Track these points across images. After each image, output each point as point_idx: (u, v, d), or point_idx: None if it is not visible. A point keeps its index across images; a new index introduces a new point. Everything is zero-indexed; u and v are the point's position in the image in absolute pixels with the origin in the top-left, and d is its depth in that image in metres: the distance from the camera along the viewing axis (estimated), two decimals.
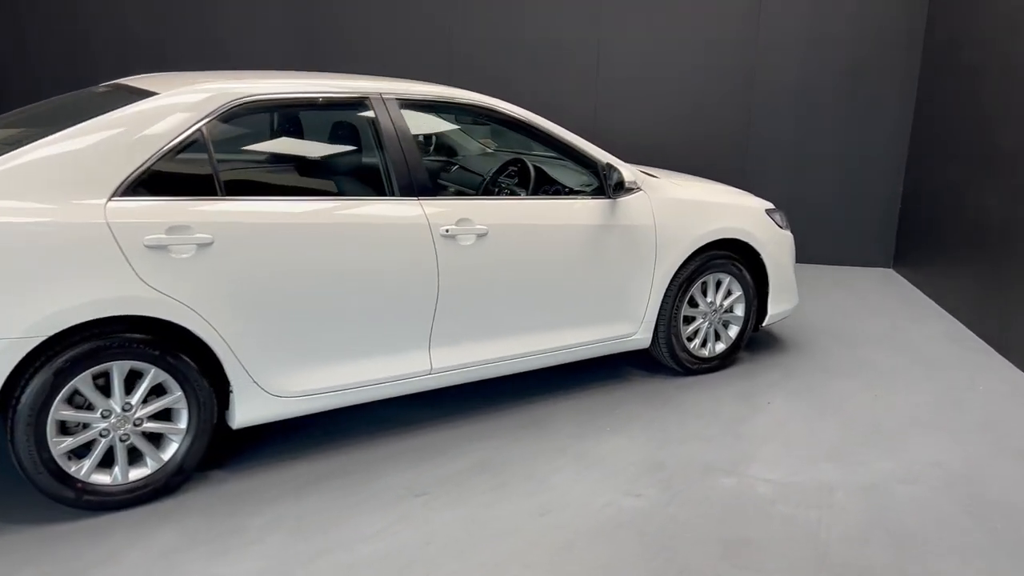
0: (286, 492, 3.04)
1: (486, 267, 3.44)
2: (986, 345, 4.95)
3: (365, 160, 3.47)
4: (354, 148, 3.53)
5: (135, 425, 2.85)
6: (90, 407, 2.77)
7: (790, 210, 6.70)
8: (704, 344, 4.31)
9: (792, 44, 6.69)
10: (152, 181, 2.83)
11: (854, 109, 6.73)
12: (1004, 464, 3.41)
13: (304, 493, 3.04)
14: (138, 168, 2.79)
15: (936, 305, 5.83)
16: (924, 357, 4.70)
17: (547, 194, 3.95)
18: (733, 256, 4.25)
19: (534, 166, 4.02)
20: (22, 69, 7.66)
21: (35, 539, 2.69)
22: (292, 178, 3.38)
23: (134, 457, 2.91)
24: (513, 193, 4.05)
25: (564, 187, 3.95)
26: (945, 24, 6.12)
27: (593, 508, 2.97)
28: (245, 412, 3.03)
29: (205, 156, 2.93)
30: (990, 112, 5.14)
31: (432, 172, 4.49)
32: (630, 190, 3.86)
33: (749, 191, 6.43)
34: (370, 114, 3.32)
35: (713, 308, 4.27)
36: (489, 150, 4.97)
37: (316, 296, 3.07)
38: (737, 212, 4.27)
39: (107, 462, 2.85)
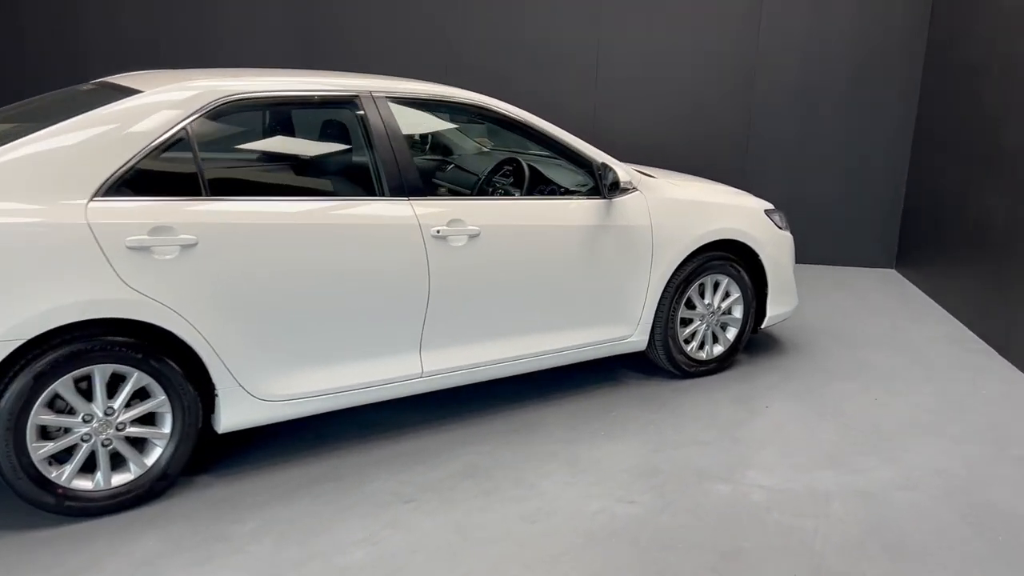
0: (273, 497, 2.99)
1: (478, 268, 3.38)
2: (988, 347, 4.89)
3: (354, 159, 3.41)
4: (343, 147, 3.48)
5: (118, 430, 2.80)
6: (71, 411, 2.72)
7: (791, 210, 6.64)
8: (701, 346, 4.25)
9: (793, 43, 6.62)
10: (135, 181, 2.77)
11: (856, 108, 6.65)
12: (1006, 470, 3.34)
13: (291, 498, 2.99)
14: (121, 167, 2.74)
15: (938, 306, 5.76)
16: (925, 359, 4.64)
17: (542, 194, 3.89)
18: (731, 257, 4.19)
19: (529, 166, 3.96)
20: (22, 69, 7.62)
21: (15, 545, 2.63)
22: (279, 178, 3.33)
23: (117, 462, 2.85)
24: (507, 193, 3.99)
25: (559, 187, 3.89)
26: (947, 23, 6.04)
27: (585, 515, 2.91)
28: (231, 416, 2.97)
29: (190, 155, 2.87)
30: (993, 112, 5.07)
31: (425, 172, 4.43)
32: (625, 190, 3.80)
33: (749, 191, 6.38)
34: (360, 113, 3.26)
35: (711, 310, 4.21)
36: (485, 149, 4.91)
37: (303, 298, 3.01)
38: (736, 212, 4.21)
39: (89, 467, 2.80)
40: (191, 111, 2.91)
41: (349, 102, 3.27)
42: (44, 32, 7.53)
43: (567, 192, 3.83)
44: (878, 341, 4.94)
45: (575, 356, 3.81)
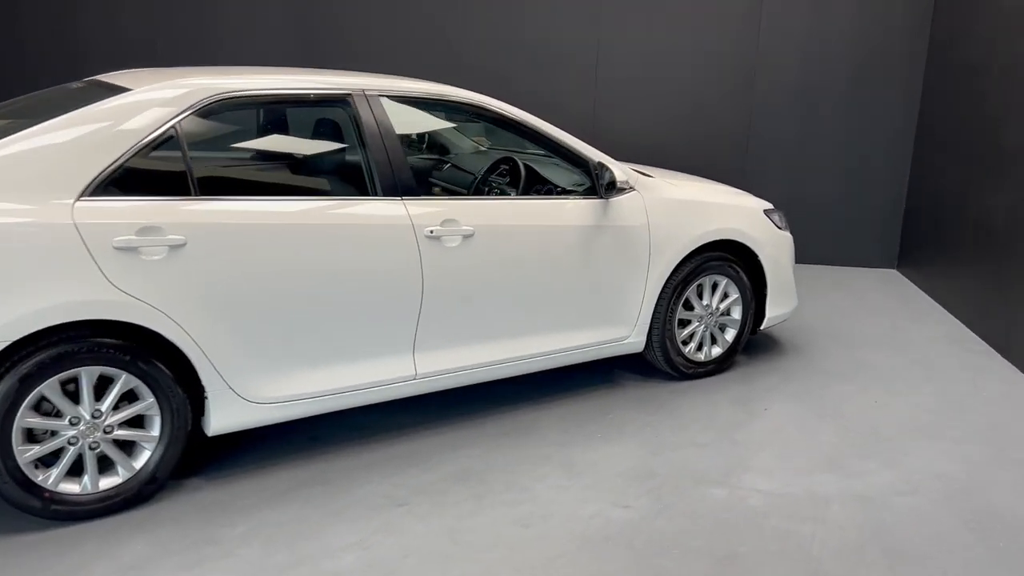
0: (263, 500, 2.95)
1: (472, 269, 3.34)
2: (989, 347, 4.84)
3: (347, 159, 3.37)
4: (336, 146, 3.44)
5: (105, 432, 2.76)
6: (58, 414, 2.69)
7: (792, 210, 6.59)
8: (700, 348, 4.20)
9: (793, 42, 6.57)
10: (123, 180, 2.73)
11: (857, 108, 6.60)
12: (1007, 473, 3.29)
13: (281, 501, 2.95)
14: (108, 166, 2.70)
15: (939, 306, 5.71)
16: (925, 359, 4.59)
17: (539, 193, 3.85)
18: (730, 257, 4.14)
19: (525, 165, 3.92)
20: (21, 69, 7.58)
21: (0, 550, 2.60)
22: (270, 177, 3.29)
23: (105, 465, 2.81)
24: (503, 193, 3.95)
25: (556, 186, 3.85)
26: (949, 23, 5.99)
27: (579, 519, 2.87)
28: (220, 419, 2.94)
29: (179, 154, 2.84)
30: (994, 112, 5.02)
31: (419, 171, 4.40)
32: (622, 190, 3.75)
33: (750, 191, 6.33)
34: (352, 111, 3.22)
35: (709, 311, 4.16)
36: (482, 148, 4.87)
37: (294, 299, 2.97)
38: (734, 212, 4.16)
39: (77, 470, 2.76)
40: (180, 109, 2.87)
41: (341, 100, 3.23)
42: (43, 32, 7.49)
43: (564, 192, 3.79)
44: (878, 342, 4.89)
45: (571, 358, 3.76)
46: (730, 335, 4.27)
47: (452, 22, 6.97)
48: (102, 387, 2.74)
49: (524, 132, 3.66)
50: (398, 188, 3.21)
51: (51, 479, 2.69)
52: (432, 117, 3.75)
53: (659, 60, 6.76)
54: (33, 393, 2.59)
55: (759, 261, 4.24)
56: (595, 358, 3.87)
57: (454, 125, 4.50)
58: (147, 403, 2.80)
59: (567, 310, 3.67)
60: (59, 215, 2.57)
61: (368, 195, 3.19)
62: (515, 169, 3.95)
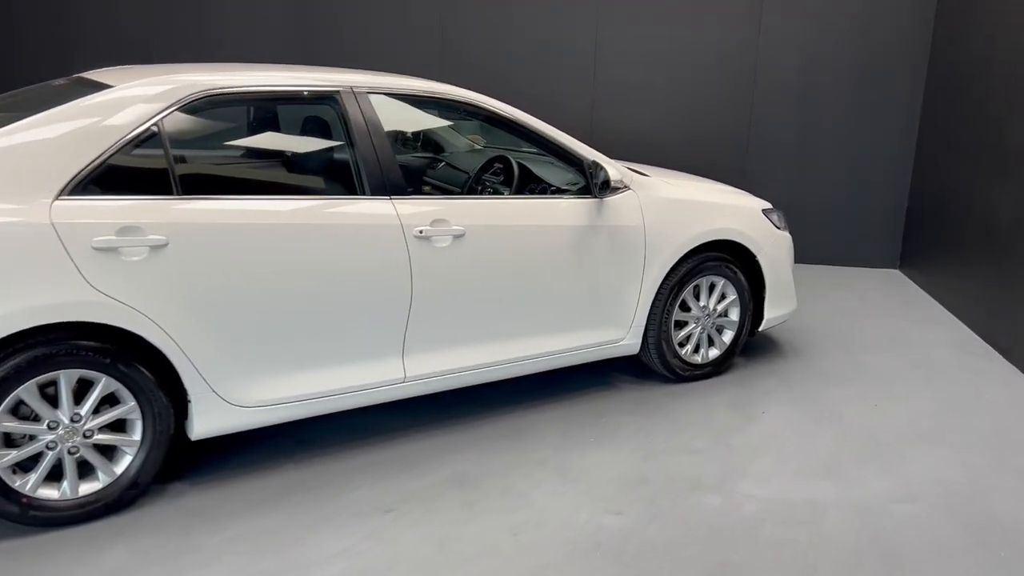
0: (248, 506, 2.89)
1: (463, 270, 3.27)
2: (991, 349, 4.76)
3: (334, 157, 3.31)
4: (323, 144, 3.37)
5: (85, 437, 2.70)
6: (36, 418, 2.62)
7: (793, 210, 6.52)
8: (697, 350, 4.13)
9: (794, 40, 6.48)
10: (104, 178, 2.67)
11: (858, 106, 6.52)
12: (1008, 480, 3.22)
13: (267, 508, 2.89)
14: (88, 165, 2.63)
15: (942, 308, 5.63)
16: (926, 362, 4.51)
17: (533, 192, 3.78)
18: (728, 258, 4.07)
19: (518, 164, 3.85)
20: (18, 68, 7.52)
21: None
22: (255, 176, 3.22)
23: (85, 470, 2.76)
24: (497, 192, 3.88)
25: (550, 186, 3.78)
26: (952, 20, 5.91)
27: (571, 526, 2.80)
28: (204, 423, 2.87)
29: (161, 152, 2.77)
30: (998, 110, 4.94)
31: (410, 170, 4.33)
32: (617, 189, 3.68)
33: (750, 191, 6.26)
34: (340, 108, 3.15)
35: (706, 312, 4.09)
36: (478, 147, 4.80)
37: (280, 301, 2.91)
38: (732, 212, 4.09)
39: (56, 475, 2.70)
40: (164, 106, 2.80)
41: (329, 97, 3.16)
42: (39, 31, 7.43)
43: (558, 191, 3.72)
44: (879, 344, 4.82)
45: (565, 360, 3.70)
46: (728, 337, 4.20)
47: (451, 21, 6.89)
48: (83, 391, 2.68)
49: (517, 130, 3.59)
50: (387, 187, 3.14)
51: (29, 484, 2.63)
52: (423, 115, 3.68)
53: (658, 59, 6.68)
54: (10, 397, 2.53)
55: (757, 262, 4.16)
56: (590, 360, 3.81)
57: (446, 123, 4.43)
58: (128, 407, 2.74)
59: (560, 312, 3.60)
60: (36, 215, 2.51)
61: (356, 194, 3.13)
62: (508, 168, 3.88)
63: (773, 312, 4.29)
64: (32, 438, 2.63)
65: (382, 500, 2.95)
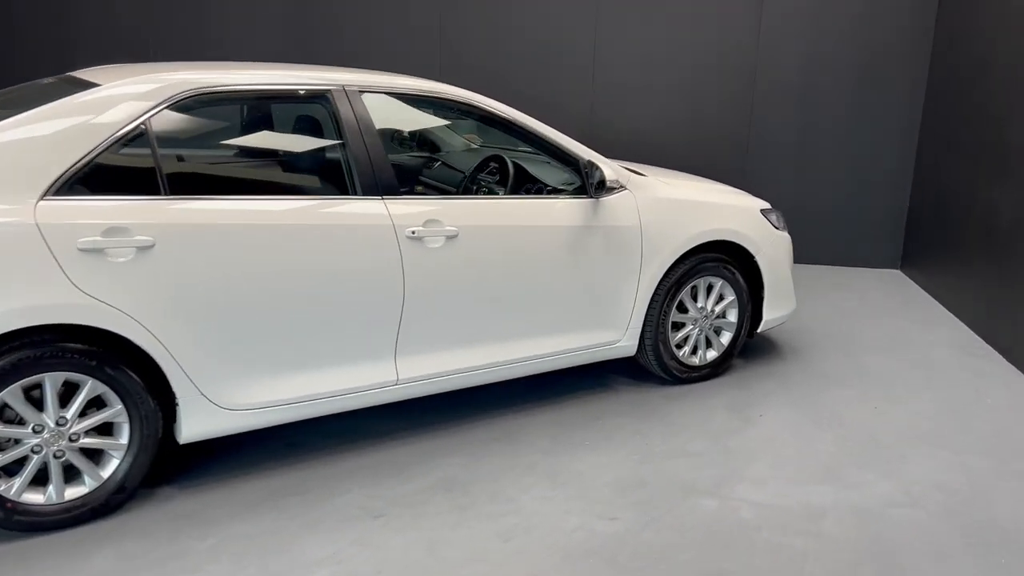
0: (236, 511, 2.85)
1: (456, 271, 3.23)
2: (993, 351, 4.70)
3: (326, 156, 3.27)
4: (314, 143, 3.33)
5: (71, 440, 2.66)
6: (21, 421, 2.59)
7: (793, 210, 6.47)
8: (694, 351, 4.08)
9: (794, 40, 6.43)
10: (90, 178, 2.63)
11: (859, 106, 6.46)
12: (1010, 484, 3.17)
13: (255, 512, 2.85)
14: (74, 164, 2.60)
15: (944, 309, 5.58)
16: (929, 365, 4.46)
17: (529, 192, 3.74)
18: (726, 259, 4.02)
19: (514, 163, 3.80)
20: (18, 68, 7.50)
21: None
22: (245, 176, 3.18)
23: (71, 474, 2.72)
24: (492, 192, 3.83)
25: (545, 185, 3.73)
26: (954, 20, 5.85)
27: (562, 532, 2.76)
28: (192, 426, 2.84)
29: (149, 152, 2.73)
30: (1000, 110, 4.89)
31: (405, 169, 4.29)
32: (612, 189, 3.64)
33: (751, 190, 6.21)
34: (332, 107, 3.11)
35: (704, 314, 4.05)
36: (474, 146, 4.75)
37: (269, 303, 2.87)
38: (730, 212, 4.04)
39: (41, 480, 2.66)
40: (151, 105, 2.77)
41: (320, 96, 3.13)
42: (41, 32, 7.40)
43: (554, 191, 3.67)
44: (879, 345, 4.76)
45: (560, 362, 3.65)
46: (726, 338, 4.15)
47: (451, 21, 6.85)
48: (69, 394, 2.64)
49: (512, 129, 3.55)
50: (378, 187, 3.10)
51: (14, 489, 2.59)
52: (416, 114, 3.64)
53: (658, 58, 6.63)
54: None
55: (756, 262, 4.12)
56: (585, 362, 3.76)
57: (440, 123, 4.38)
58: (115, 410, 2.71)
59: (555, 313, 3.56)
60: (21, 215, 2.48)
61: (347, 194, 3.09)
62: (504, 167, 3.84)
63: (772, 313, 4.25)
64: (17, 442, 2.59)
65: (371, 504, 2.91)
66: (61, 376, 2.59)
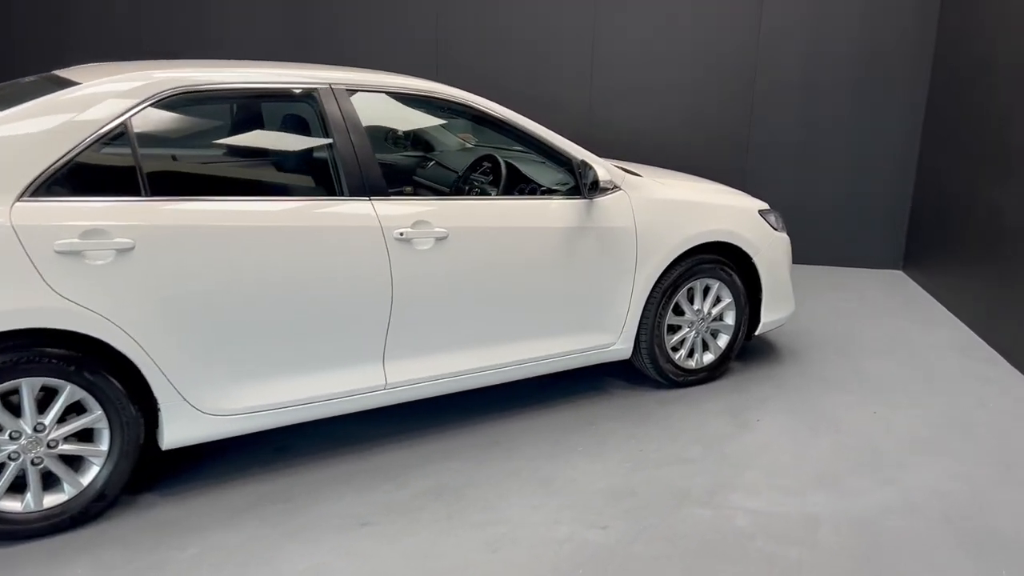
0: (220, 519, 2.79)
1: (446, 273, 3.17)
2: (995, 354, 4.63)
3: (312, 156, 3.20)
4: (300, 143, 3.27)
5: (49, 447, 2.60)
6: None
7: (794, 210, 6.39)
8: (691, 355, 4.02)
9: (795, 39, 6.35)
10: (68, 179, 2.57)
11: (861, 105, 6.38)
12: (1011, 493, 3.10)
13: (239, 520, 2.79)
14: (52, 165, 2.54)
15: (946, 311, 5.50)
16: (928, 368, 4.39)
17: (522, 193, 3.67)
18: (723, 260, 3.95)
19: (506, 163, 3.74)
20: (18, 69, 7.44)
21: None
22: (229, 176, 3.11)
23: (50, 481, 2.66)
24: (484, 192, 3.77)
25: (539, 186, 3.67)
26: (956, 19, 5.77)
27: (552, 542, 2.70)
28: (175, 432, 2.78)
29: (129, 152, 2.67)
30: (1003, 109, 4.81)
31: (395, 169, 4.23)
32: (606, 189, 3.57)
33: (751, 190, 6.14)
34: (318, 106, 3.05)
35: (700, 316, 3.98)
36: (469, 145, 4.69)
37: (253, 306, 2.80)
38: (727, 213, 3.97)
39: (19, 487, 2.60)
40: (133, 103, 2.71)
41: (307, 95, 3.06)
42: (41, 32, 7.34)
43: (547, 191, 3.61)
44: (879, 348, 4.69)
45: (553, 366, 3.59)
46: (723, 341, 4.08)
47: (448, 20, 6.78)
48: (48, 399, 2.59)
49: (503, 128, 3.49)
50: (366, 187, 3.04)
51: None
52: (405, 113, 3.57)
53: (658, 58, 6.55)
54: None
55: (753, 264, 4.05)
56: (579, 366, 3.70)
57: (431, 122, 4.31)
58: (94, 416, 2.65)
59: (548, 316, 3.49)
60: None
61: (334, 195, 3.02)
62: (496, 167, 3.77)
63: (770, 316, 4.18)
64: None
65: (358, 512, 2.85)
66: (39, 381, 2.53)
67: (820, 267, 6.64)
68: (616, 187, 3.63)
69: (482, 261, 3.25)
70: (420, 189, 4.14)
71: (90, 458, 2.69)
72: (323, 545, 2.65)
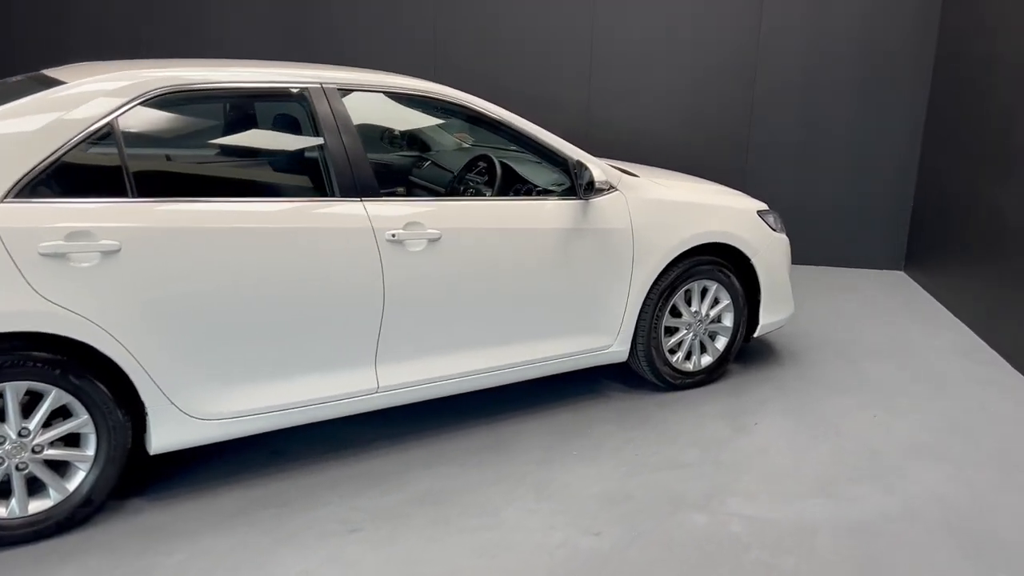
0: (208, 525, 2.75)
1: (439, 275, 3.12)
2: (998, 356, 4.58)
3: (303, 157, 3.16)
4: (290, 143, 3.23)
5: (34, 452, 2.56)
6: None
7: (795, 209, 6.34)
8: (688, 357, 3.97)
9: (796, 38, 6.30)
10: (54, 180, 2.54)
11: (862, 105, 6.33)
12: (1013, 499, 3.05)
13: (228, 526, 2.75)
14: (37, 166, 2.50)
15: (947, 311, 5.45)
16: (930, 371, 4.34)
17: (518, 193, 3.62)
18: (721, 261, 3.91)
19: (501, 163, 3.69)
20: (19, 69, 7.40)
21: None
22: (218, 177, 3.07)
23: (36, 487, 2.62)
24: (479, 192, 3.73)
25: (535, 186, 3.62)
26: (959, 20, 5.72)
27: (545, 549, 2.65)
28: (163, 437, 2.74)
29: (116, 152, 2.63)
30: (1005, 109, 4.76)
31: (389, 170, 4.18)
32: (602, 190, 3.52)
33: (751, 190, 6.09)
34: (309, 106, 3.01)
35: (698, 318, 3.93)
36: (465, 145, 4.64)
37: (243, 309, 2.76)
38: (725, 214, 3.92)
39: (4, 493, 2.57)
40: (120, 103, 2.67)
41: (298, 94, 3.02)
42: (41, 32, 7.30)
43: (543, 192, 3.56)
44: (880, 350, 4.64)
45: (548, 368, 3.55)
46: (721, 344, 4.04)
47: (446, 19, 6.73)
48: (33, 403, 2.55)
49: (497, 128, 3.44)
50: (357, 188, 3.00)
51: None
52: (397, 112, 3.53)
53: (657, 57, 6.50)
54: None
55: (752, 265, 4.00)
56: (575, 368, 3.65)
57: (424, 121, 4.26)
58: (81, 420, 2.61)
59: (543, 318, 3.45)
60: None
61: (325, 196, 2.98)
62: (491, 168, 3.73)
63: (769, 317, 4.13)
64: None
65: (349, 517, 2.81)
66: (23, 385, 2.50)
67: (820, 268, 6.59)
68: (612, 188, 3.58)
69: (476, 263, 3.21)
70: (415, 189, 4.10)
71: (76, 463, 2.65)
72: (313, 552, 2.61)
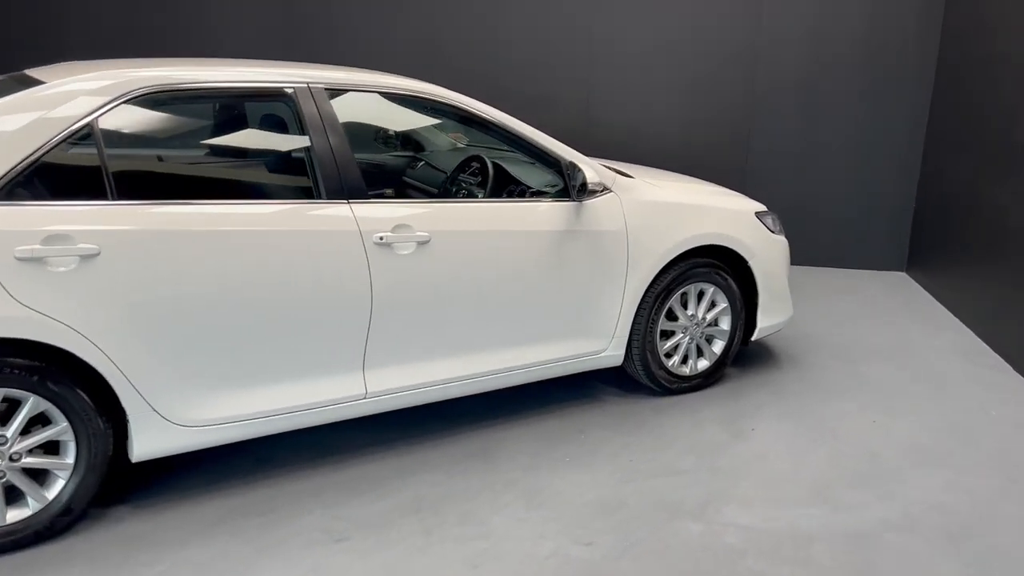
0: (191, 533, 2.69)
1: (428, 279, 3.06)
2: (1000, 359, 4.51)
3: (288, 158, 3.10)
4: (275, 144, 3.17)
5: (12, 460, 2.51)
6: None
7: (795, 210, 6.28)
8: (685, 361, 3.91)
9: (796, 38, 6.23)
10: (31, 182, 2.48)
11: (864, 105, 6.26)
12: (1015, 507, 2.98)
13: (210, 535, 2.69)
14: (14, 168, 2.45)
15: (948, 313, 5.37)
16: (931, 374, 4.27)
17: (510, 195, 3.56)
18: (718, 264, 3.84)
19: (494, 164, 3.63)
20: (18, 69, 7.37)
21: None
22: (201, 179, 3.01)
23: (14, 496, 2.56)
24: (471, 194, 3.66)
25: (527, 188, 3.56)
26: (963, 14, 5.65)
27: (535, 559, 2.59)
28: (145, 444, 2.68)
29: (95, 153, 2.57)
30: (1009, 109, 4.69)
31: (379, 171, 4.12)
32: (596, 192, 3.46)
33: (751, 190, 6.02)
34: (295, 106, 2.95)
35: (695, 321, 3.87)
36: (460, 145, 4.58)
37: (226, 313, 2.71)
38: (722, 215, 3.86)
39: None
40: (100, 103, 2.61)
41: (283, 94, 2.96)
42: (40, 33, 7.26)
43: (536, 194, 3.50)
44: (881, 353, 4.57)
45: (541, 373, 3.48)
46: (718, 347, 3.97)
47: (445, 19, 6.68)
48: (11, 411, 2.49)
49: (489, 128, 3.38)
50: (344, 190, 2.94)
51: None
52: (387, 112, 3.47)
53: (657, 57, 6.44)
54: None
55: (749, 267, 3.93)
56: (569, 373, 3.59)
57: (415, 122, 4.19)
58: (60, 428, 2.55)
59: (536, 322, 3.39)
60: None
61: (311, 198, 2.92)
62: (484, 169, 3.66)
63: (767, 321, 4.06)
64: None
65: (334, 526, 2.75)
66: (0, 392, 2.44)
67: (821, 269, 6.51)
68: (606, 189, 3.52)
69: (466, 266, 3.15)
70: (407, 191, 4.04)
71: (55, 471, 2.60)
72: (296, 562, 2.55)
